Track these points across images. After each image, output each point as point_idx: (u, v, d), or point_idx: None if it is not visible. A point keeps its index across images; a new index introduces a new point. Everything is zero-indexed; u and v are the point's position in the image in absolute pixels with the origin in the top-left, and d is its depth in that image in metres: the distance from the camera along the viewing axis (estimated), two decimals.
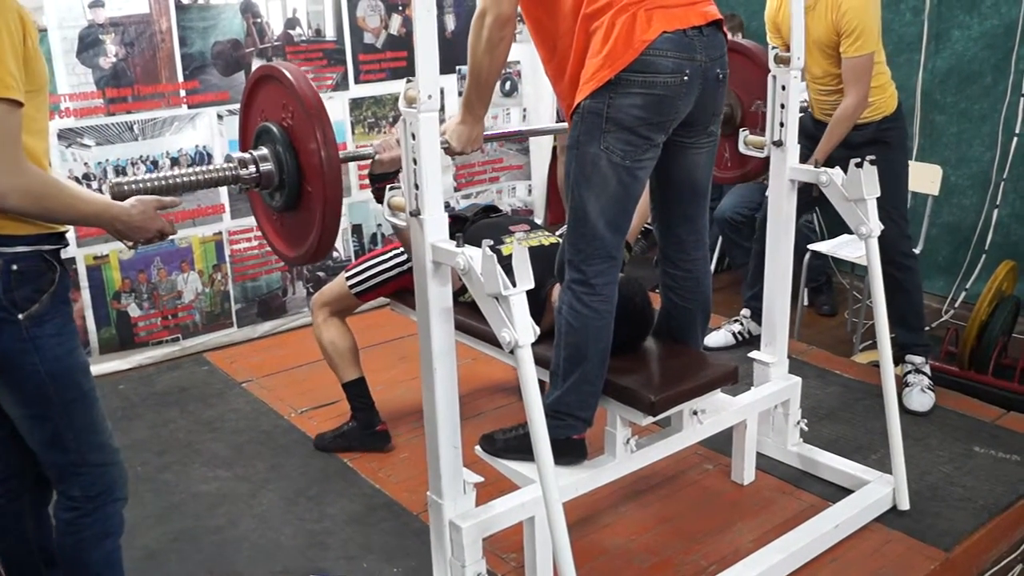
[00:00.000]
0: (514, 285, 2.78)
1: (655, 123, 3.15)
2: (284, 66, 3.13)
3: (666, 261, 3.66)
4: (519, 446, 3.40)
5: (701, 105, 3.23)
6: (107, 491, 2.89)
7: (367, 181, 3.78)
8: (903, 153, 4.82)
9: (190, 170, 3.05)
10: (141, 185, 2.92)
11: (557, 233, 4.11)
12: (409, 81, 2.85)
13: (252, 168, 3.11)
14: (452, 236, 3.77)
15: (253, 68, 5.39)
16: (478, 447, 3.58)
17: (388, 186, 3.13)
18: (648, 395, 3.34)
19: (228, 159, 3.12)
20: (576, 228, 3.26)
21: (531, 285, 2.81)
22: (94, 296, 5.24)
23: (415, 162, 2.88)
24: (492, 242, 2.79)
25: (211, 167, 3.10)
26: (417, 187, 2.90)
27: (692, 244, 3.61)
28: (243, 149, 3.31)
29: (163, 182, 2.98)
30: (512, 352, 2.82)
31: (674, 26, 3.06)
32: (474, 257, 2.81)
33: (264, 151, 3.13)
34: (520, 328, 2.80)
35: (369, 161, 3.68)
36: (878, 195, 3.73)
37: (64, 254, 2.73)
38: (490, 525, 3.21)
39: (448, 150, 3.43)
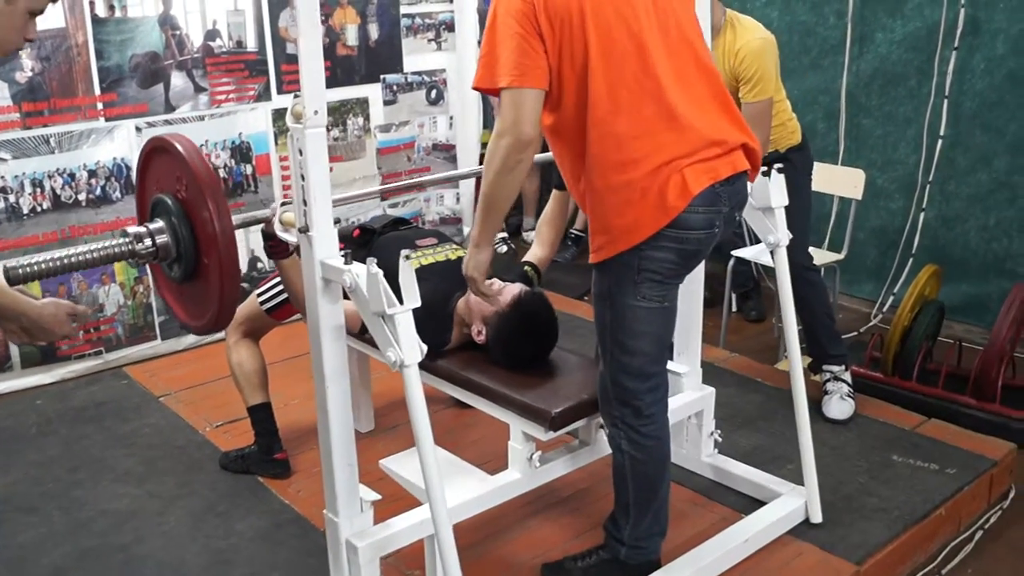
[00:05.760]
0: (401, 303, 2.75)
1: (686, 268, 3.18)
2: (175, 138, 3.07)
3: None
4: (604, 573, 3.46)
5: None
6: None
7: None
8: (806, 176, 4.84)
9: (86, 248, 2.97)
10: (35, 268, 2.86)
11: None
12: (296, 96, 2.82)
13: (148, 242, 3.04)
14: (362, 247, 3.74)
15: (172, 80, 5.38)
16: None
17: (281, 203, 3.10)
18: (548, 409, 3.33)
19: (124, 234, 3.05)
20: (622, 370, 3.21)
21: (417, 303, 2.78)
22: None
23: (303, 178, 2.84)
24: (376, 260, 2.75)
25: (106, 244, 3.01)
26: (306, 203, 2.87)
27: None
28: (140, 220, 3.25)
29: (59, 262, 2.92)
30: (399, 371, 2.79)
31: (704, 184, 2.99)
32: (360, 275, 2.78)
33: (160, 223, 3.06)
34: (406, 347, 2.77)
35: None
36: (787, 203, 3.71)
37: None
38: (388, 543, 3.19)
39: (475, 287, 3.29)
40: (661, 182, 2.94)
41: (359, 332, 3.51)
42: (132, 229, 3.06)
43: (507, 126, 2.93)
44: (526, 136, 2.92)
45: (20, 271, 2.82)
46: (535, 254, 4.09)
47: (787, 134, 4.75)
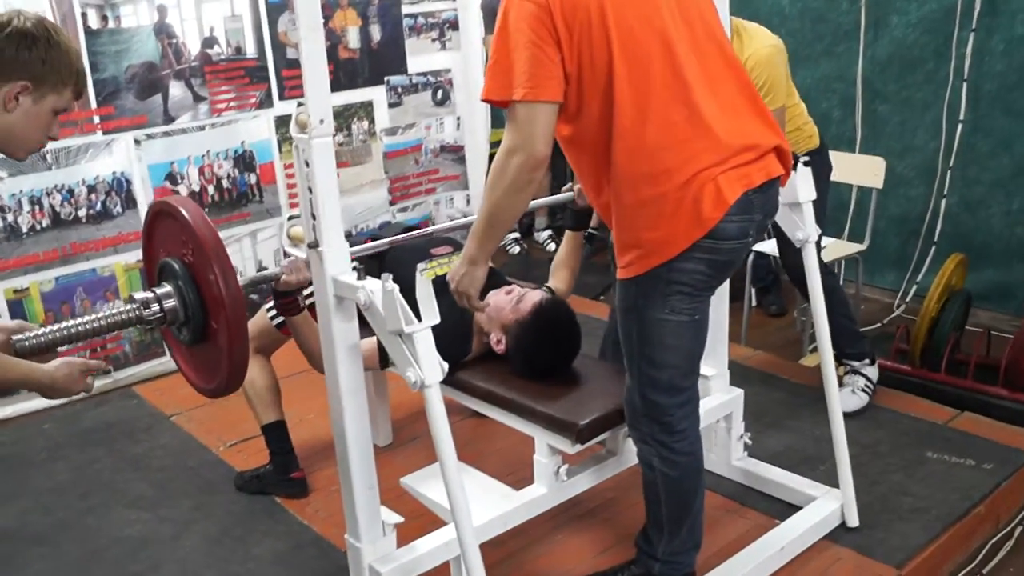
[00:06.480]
0: (419, 320, 2.63)
1: (718, 279, 3.02)
2: (180, 203, 2.97)
3: None
4: None
5: None
6: None
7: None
8: (825, 182, 4.66)
9: (92, 317, 2.91)
10: (44, 339, 2.80)
11: None
12: (300, 105, 2.71)
13: (156, 307, 2.96)
14: (373, 258, 3.63)
15: (171, 90, 5.26)
16: None
17: (288, 216, 3.00)
18: (575, 421, 3.23)
19: (131, 299, 2.98)
20: (651, 385, 3.05)
21: (436, 320, 2.66)
22: None
23: (311, 191, 2.73)
24: (392, 275, 2.62)
25: (113, 311, 2.95)
26: (314, 217, 2.75)
27: None
28: (149, 284, 3.17)
29: (66, 332, 2.85)
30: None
31: (738, 193, 2.82)
32: (375, 291, 2.66)
33: (167, 288, 2.98)
34: (426, 367, 2.65)
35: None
36: (814, 198, 3.59)
37: None
38: (413, 568, 3.10)
39: (469, 302, 3.12)
40: (695, 192, 2.77)
41: (381, 367, 3.42)
42: (139, 295, 3.00)
43: (519, 143, 2.74)
44: (539, 154, 2.75)
45: (27, 343, 2.77)
46: (554, 287, 3.99)
47: (804, 138, 4.62)
